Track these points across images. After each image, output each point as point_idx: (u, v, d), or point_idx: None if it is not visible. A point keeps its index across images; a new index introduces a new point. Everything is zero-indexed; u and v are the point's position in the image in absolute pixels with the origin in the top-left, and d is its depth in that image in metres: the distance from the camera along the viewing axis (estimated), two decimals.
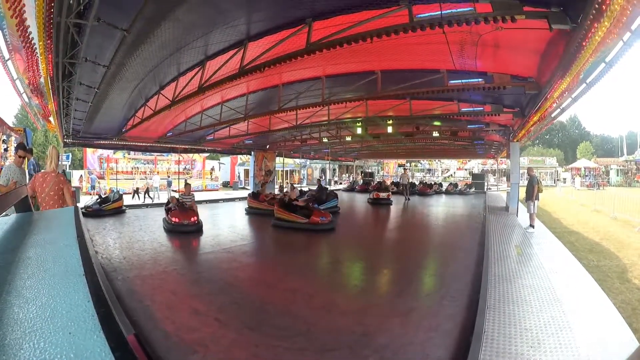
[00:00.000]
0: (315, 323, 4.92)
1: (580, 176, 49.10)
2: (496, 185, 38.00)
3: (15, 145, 6.41)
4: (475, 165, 54.39)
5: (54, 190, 4.59)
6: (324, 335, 4.57)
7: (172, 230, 11.21)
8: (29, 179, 10.97)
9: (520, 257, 7.95)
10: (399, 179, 28.80)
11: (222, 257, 8.50)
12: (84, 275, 0.91)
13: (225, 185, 38.02)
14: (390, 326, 4.78)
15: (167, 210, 12.26)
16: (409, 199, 22.02)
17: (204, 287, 6.49)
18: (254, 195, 16.83)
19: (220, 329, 4.73)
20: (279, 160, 29.46)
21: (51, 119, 11.94)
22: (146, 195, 21.64)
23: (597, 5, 4.18)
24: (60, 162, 12.38)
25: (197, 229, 11.45)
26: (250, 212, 16.09)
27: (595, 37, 4.69)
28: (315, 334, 4.58)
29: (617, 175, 50.39)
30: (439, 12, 4.86)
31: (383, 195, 20.70)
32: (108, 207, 15.32)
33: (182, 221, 11.25)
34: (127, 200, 19.22)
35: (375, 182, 33.21)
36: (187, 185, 14.14)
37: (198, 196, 25.37)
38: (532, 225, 11.50)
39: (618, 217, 18.04)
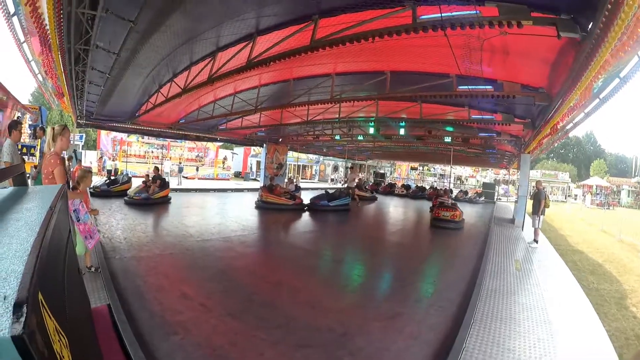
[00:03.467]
0: (297, 317, 4.98)
1: (591, 194, 47.91)
2: (506, 196, 37.55)
3: (13, 122, 6.56)
4: (488, 173, 53.84)
5: (44, 174, 4.61)
6: (303, 330, 4.62)
7: None
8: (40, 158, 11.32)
9: (518, 272, 7.75)
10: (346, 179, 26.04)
11: (220, 245, 8.61)
12: (27, 256, 0.95)
13: (237, 175, 38.20)
14: (371, 329, 4.78)
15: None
16: (358, 204, 20.61)
17: (197, 273, 6.63)
18: (270, 188, 16.30)
19: (204, 314, 4.83)
20: (291, 154, 29.48)
21: (65, 99, 12.16)
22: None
23: (607, 13, 3.89)
24: (72, 142, 12.58)
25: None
26: (262, 206, 15.65)
27: (604, 48, 4.38)
28: (295, 329, 4.64)
29: (628, 196, 49.14)
30: (440, 15, 4.78)
31: None
32: (116, 189, 15.55)
33: None
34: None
35: (386, 184, 33.21)
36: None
37: (209, 184, 25.73)
38: (535, 240, 11.30)
39: (624, 240, 17.60)
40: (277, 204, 15.42)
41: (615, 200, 46.73)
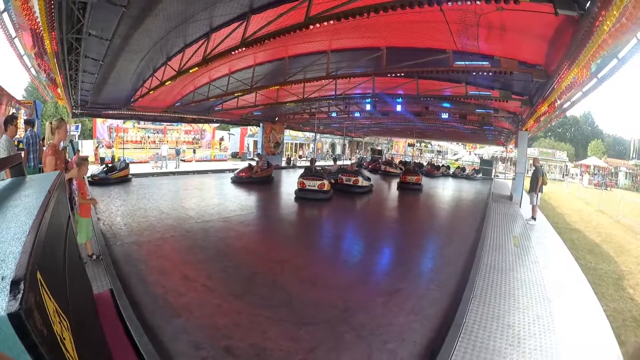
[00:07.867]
0: (300, 295, 5.03)
1: (589, 174, 47.80)
2: (504, 173, 37.62)
3: (9, 117, 6.59)
4: (485, 151, 53.72)
5: (43, 163, 4.74)
6: (306, 308, 4.67)
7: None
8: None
9: (516, 249, 7.82)
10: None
11: (220, 226, 8.64)
12: (25, 237, 0.95)
13: (234, 156, 38.08)
14: (373, 305, 4.84)
15: None
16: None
17: (198, 254, 6.64)
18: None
19: (207, 295, 4.88)
20: (287, 132, 29.35)
21: (59, 91, 12.03)
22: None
23: None
24: (69, 132, 12.56)
25: None
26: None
27: (603, 26, 4.29)
28: (298, 306, 4.69)
29: (626, 178, 48.99)
30: None
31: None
32: (114, 176, 15.35)
33: None
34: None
35: (384, 159, 33.23)
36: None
37: (206, 166, 25.64)
38: (533, 218, 11.33)
39: (621, 221, 17.56)
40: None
41: (612, 182, 46.59)
